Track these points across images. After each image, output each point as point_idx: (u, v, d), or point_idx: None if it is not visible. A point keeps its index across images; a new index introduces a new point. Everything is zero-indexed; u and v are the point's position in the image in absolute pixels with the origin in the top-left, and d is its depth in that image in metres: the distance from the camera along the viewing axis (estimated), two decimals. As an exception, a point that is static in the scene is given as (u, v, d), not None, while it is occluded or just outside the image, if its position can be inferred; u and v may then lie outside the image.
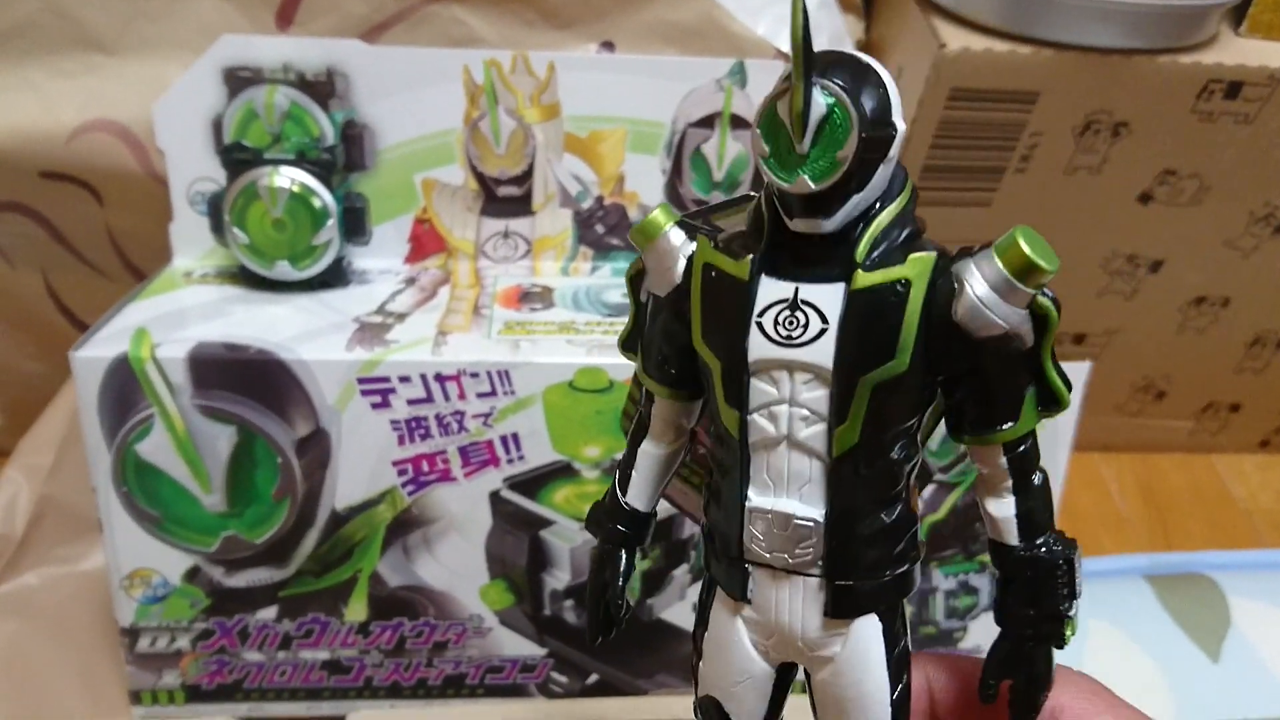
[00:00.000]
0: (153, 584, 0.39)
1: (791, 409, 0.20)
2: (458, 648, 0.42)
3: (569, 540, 0.40)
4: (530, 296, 0.43)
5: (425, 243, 0.46)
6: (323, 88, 0.43)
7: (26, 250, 0.48)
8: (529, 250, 0.47)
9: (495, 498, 0.39)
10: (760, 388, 0.20)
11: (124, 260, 0.49)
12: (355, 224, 0.43)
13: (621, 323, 0.41)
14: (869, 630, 0.21)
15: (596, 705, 0.35)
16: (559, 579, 0.41)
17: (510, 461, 0.39)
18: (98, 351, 0.36)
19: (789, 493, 0.20)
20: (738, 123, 0.46)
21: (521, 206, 0.46)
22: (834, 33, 0.51)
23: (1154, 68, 0.47)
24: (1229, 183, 0.52)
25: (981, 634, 0.43)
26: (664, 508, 0.25)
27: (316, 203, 0.41)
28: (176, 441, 0.37)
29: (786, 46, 0.48)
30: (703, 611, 0.23)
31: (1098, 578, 0.51)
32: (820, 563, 0.20)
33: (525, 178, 0.46)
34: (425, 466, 0.38)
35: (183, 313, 0.40)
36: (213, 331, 0.38)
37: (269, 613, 0.40)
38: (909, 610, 0.26)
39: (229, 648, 0.41)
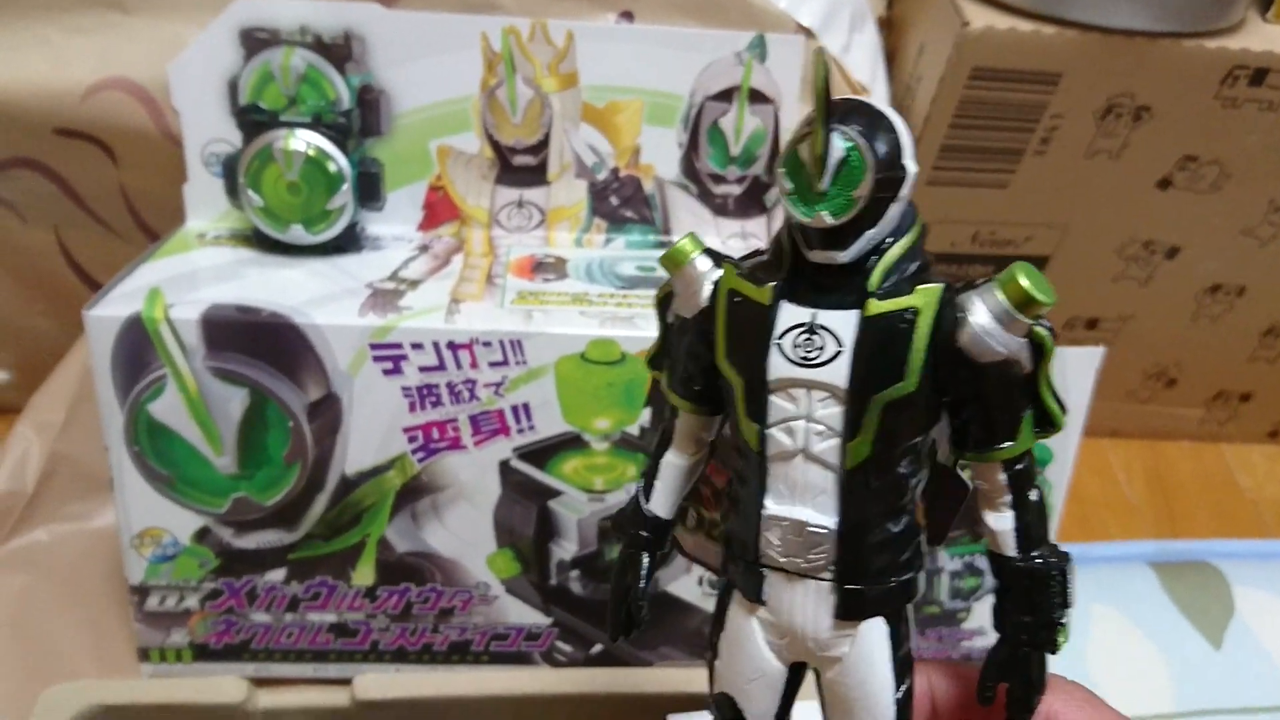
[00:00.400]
0: (163, 543, 0.39)
1: (808, 424, 0.21)
2: (464, 614, 0.42)
3: (577, 511, 0.40)
4: (543, 267, 0.43)
5: (439, 210, 0.46)
6: (339, 51, 0.43)
7: (39, 207, 0.48)
8: (543, 220, 0.47)
9: (505, 467, 0.39)
10: (779, 404, 0.21)
11: (137, 220, 0.49)
12: (370, 189, 0.42)
13: (635, 295, 0.41)
14: (875, 633, 0.22)
15: (602, 675, 0.35)
16: (566, 549, 0.41)
17: (520, 431, 0.39)
18: (111, 310, 0.36)
19: (804, 502, 0.22)
20: (756, 97, 0.46)
21: (536, 176, 0.46)
22: (857, 10, 0.50)
23: (1179, 52, 0.47)
24: (1250, 170, 0.52)
25: (985, 615, 0.43)
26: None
27: (331, 167, 0.41)
28: (189, 402, 0.37)
29: (808, 20, 0.48)
30: (719, 613, 0.24)
31: (1103, 563, 0.51)
32: (832, 568, 0.22)
33: (541, 147, 0.46)
34: (436, 434, 0.38)
35: (196, 274, 0.40)
36: (226, 294, 0.38)
37: (277, 575, 0.40)
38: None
39: (237, 608, 0.41)
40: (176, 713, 0.34)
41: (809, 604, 0.22)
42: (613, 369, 0.38)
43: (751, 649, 0.23)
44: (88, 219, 0.49)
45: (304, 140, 0.40)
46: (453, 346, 0.37)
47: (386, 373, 0.37)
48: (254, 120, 0.41)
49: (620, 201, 0.47)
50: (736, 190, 0.48)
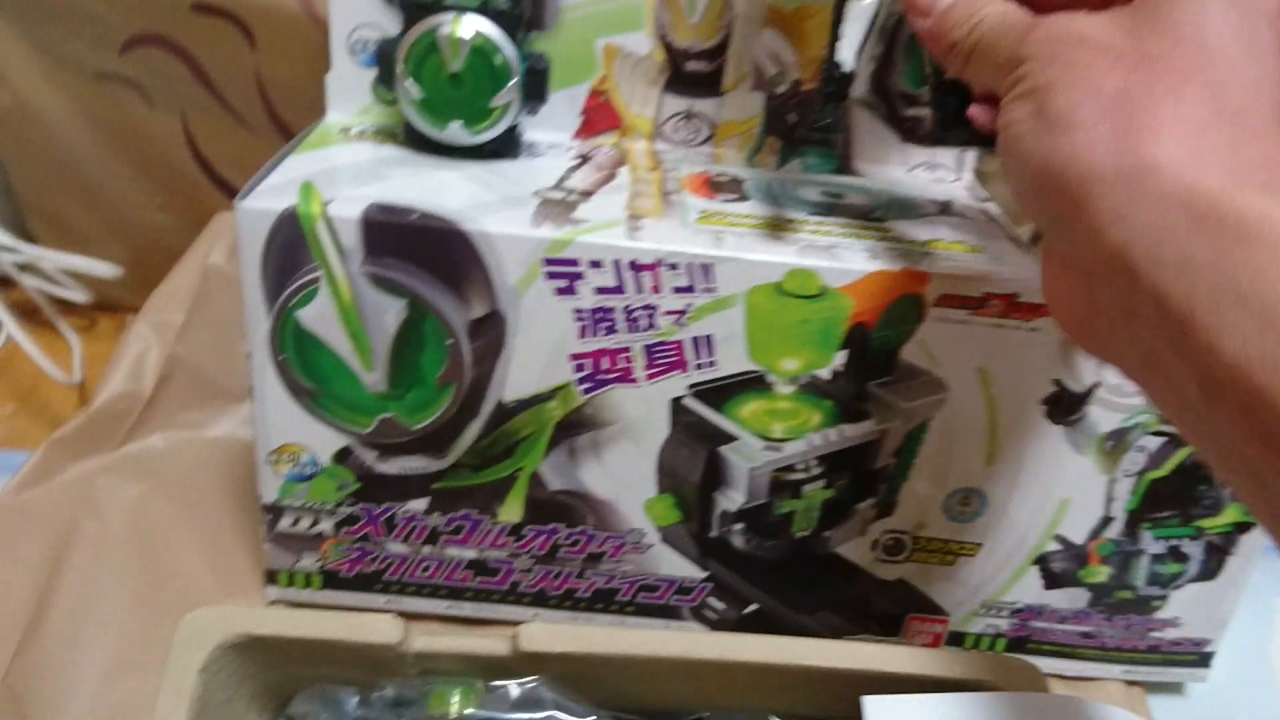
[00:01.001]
0: (301, 461, 0.36)
1: None
2: (613, 561, 0.39)
3: (750, 459, 0.36)
4: (719, 186, 0.39)
5: (598, 117, 0.42)
6: (506, -70, 0.38)
7: (168, 90, 0.45)
8: (711, 135, 0.42)
9: (677, 405, 0.35)
10: None
11: (269, 110, 0.45)
12: (536, 88, 0.38)
13: (830, 223, 0.36)
14: None
15: (789, 645, 0.31)
16: (732, 500, 0.37)
17: (699, 367, 0.35)
18: (265, 203, 0.32)
19: None
20: (964, 8, 0.41)
21: (709, 85, 0.41)
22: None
23: None
24: None
25: (1182, 606, 0.39)
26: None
27: (499, 59, 0.37)
28: (341, 310, 0.34)
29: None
30: None
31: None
32: None
33: (717, 52, 0.41)
34: (605, 363, 0.35)
35: (343, 171, 0.36)
36: (380, 194, 0.34)
37: (419, 504, 0.37)
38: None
39: (373, 536, 0.38)
40: (326, 648, 0.31)
41: None
42: (810, 304, 0.34)
43: None
44: (217, 106, 0.45)
45: (473, 27, 0.36)
46: (635, 267, 0.33)
47: (559, 292, 0.33)
48: (415, 4, 0.37)
49: (799, 119, 0.42)
50: (929, 113, 0.42)
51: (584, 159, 0.40)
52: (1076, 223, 0.23)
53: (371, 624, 0.30)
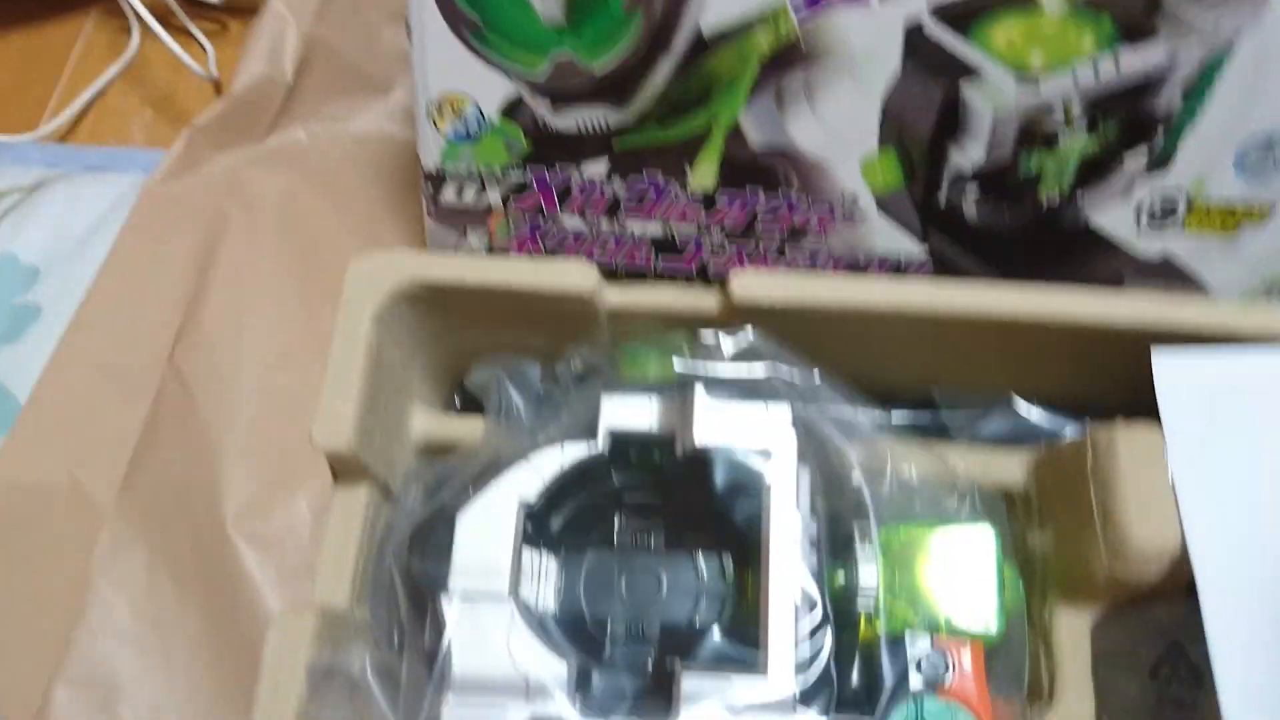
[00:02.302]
0: (465, 116, 0.32)
1: None
2: (818, 235, 0.33)
3: (995, 98, 0.30)
4: None
5: None
6: None
7: None
8: None
9: (913, 35, 0.29)
10: None
11: None
12: None
13: None
14: None
15: (1053, 296, 0.26)
16: (969, 155, 0.31)
17: (946, -24, 0.28)
18: None
19: None
20: None
21: None
22: None
23: None
24: None
25: None
26: None
27: None
28: (509, -89, 0.28)
29: None
30: None
31: None
32: None
33: None
34: (828, -26, 0.28)
35: None
36: None
37: (598, 167, 0.32)
38: None
39: (546, 210, 0.34)
40: (508, 305, 0.27)
41: None
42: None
43: None
44: None
45: None
46: None
47: (775, -128, 0.27)
48: None
49: None
50: None
51: None
52: None
53: (562, 270, 0.26)
